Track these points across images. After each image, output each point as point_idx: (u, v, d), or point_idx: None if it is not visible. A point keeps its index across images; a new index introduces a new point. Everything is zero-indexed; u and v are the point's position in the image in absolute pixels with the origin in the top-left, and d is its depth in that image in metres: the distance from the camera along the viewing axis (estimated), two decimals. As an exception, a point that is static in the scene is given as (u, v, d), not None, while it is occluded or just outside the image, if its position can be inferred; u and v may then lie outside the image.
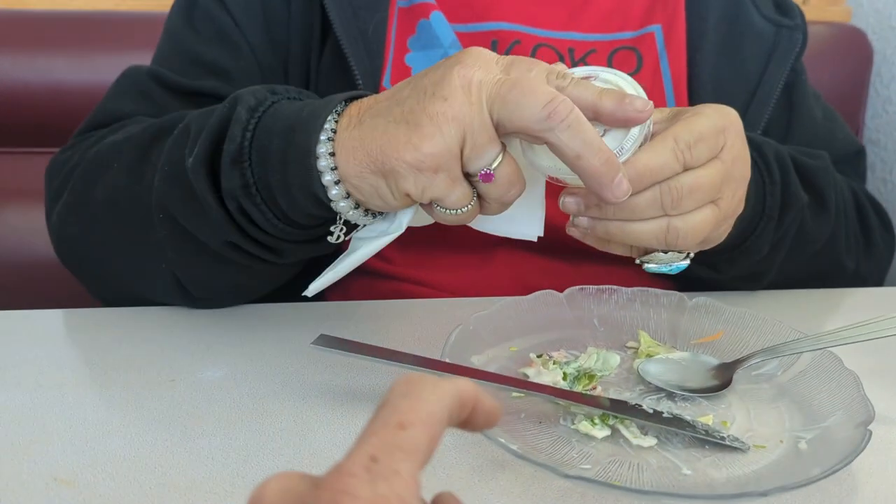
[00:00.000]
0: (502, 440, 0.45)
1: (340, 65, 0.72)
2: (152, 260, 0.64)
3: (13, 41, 1.08)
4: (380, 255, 0.74)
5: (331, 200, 0.53)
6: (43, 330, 0.64)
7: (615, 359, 0.57)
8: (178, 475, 0.46)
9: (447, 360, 0.53)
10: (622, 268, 0.76)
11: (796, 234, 0.72)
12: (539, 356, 0.58)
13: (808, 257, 0.75)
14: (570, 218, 0.56)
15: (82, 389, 0.55)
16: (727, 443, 0.49)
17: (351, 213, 0.53)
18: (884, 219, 0.85)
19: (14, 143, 1.11)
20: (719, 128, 0.54)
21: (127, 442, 0.49)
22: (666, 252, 0.57)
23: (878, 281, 0.86)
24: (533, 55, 0.76)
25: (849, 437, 0.47)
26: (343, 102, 0.54)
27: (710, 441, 0.49)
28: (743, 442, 0.49)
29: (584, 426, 0.50)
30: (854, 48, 1.24)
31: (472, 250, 0.75)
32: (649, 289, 0.65)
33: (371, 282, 0.76)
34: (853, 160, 0.88)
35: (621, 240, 0.56)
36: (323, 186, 0.52)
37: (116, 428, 0.50)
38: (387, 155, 0.50)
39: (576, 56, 0.77)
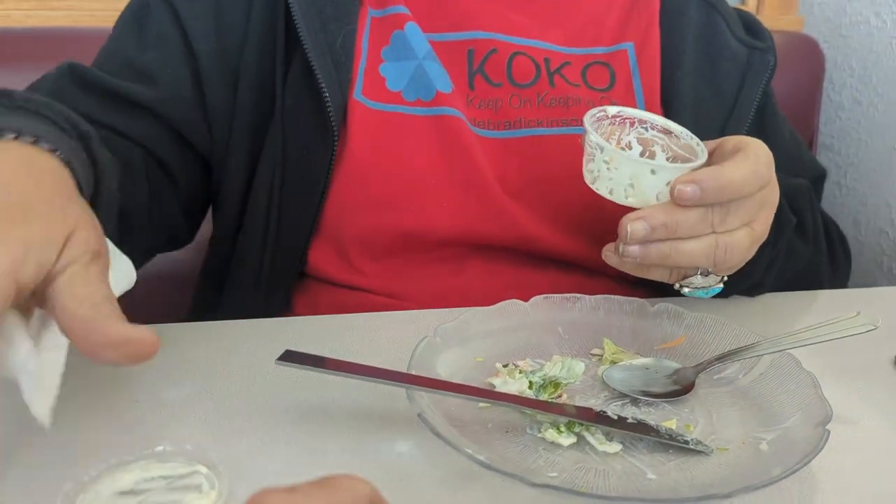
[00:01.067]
0: (469, 451, 0.45)
1: (308, 76, 0.72)
2: None
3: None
4: (350, 268, 0.75)
5: None
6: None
7: (580, 366, 0.57)
8: (143, 496, 0.45)
9: (413, 373, 0.53)
10: (590, 278, 0.77)
11: (786, 254, 0.74)
12: (505, 366, 0.59)
13: (792, 277, 0.78)
14: (616, 245, 0.60)
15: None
16: (691, 446, 0.50)
17: None
18: (843, 239, 0.89)
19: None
20: (770, 158, 0.60)
21: (92, 462, 0.48)
22: (705, 275, 0.62)
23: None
24: (510, 63, 0.77)
25: (808, 436, 0.49)
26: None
27: (674, 445, 0.50)
28: (706, 445, 0.50)
29: (551, 434, 0.51)
30: (807, 56, 1.27)
31: (441, 263, 0.75)
32: (612, 296, 0.66)
33: (341, 294, 0.76)
34: (816, 183, 0.90)
35: (673, 261, 0.59)
36: None
37: (81, 449, 0.50)
38: None
39: (551, 66, 0.77)
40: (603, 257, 0.62)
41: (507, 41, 0.77)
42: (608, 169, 0.59)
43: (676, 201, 0.57)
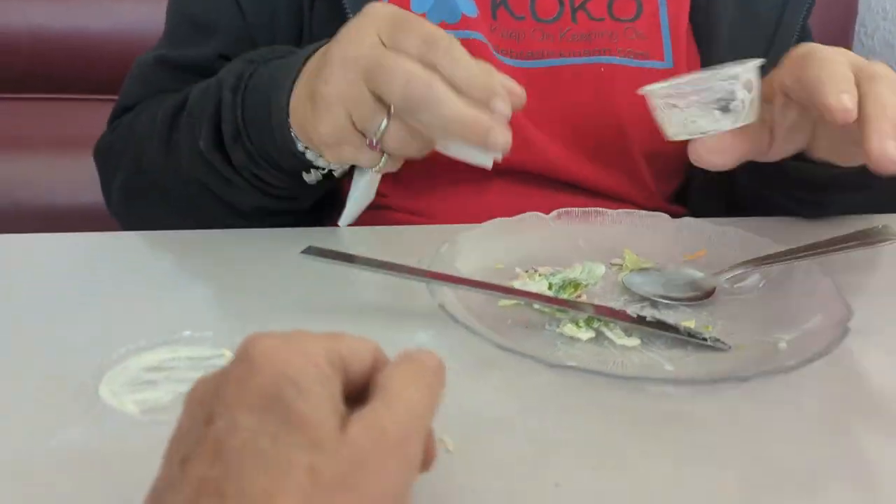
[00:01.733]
0: (488, 336, 0.46)
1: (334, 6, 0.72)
2: (208, 209, 0.70)
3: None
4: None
5: (311, 162, 0.60)
6: (31, 252, 0.64)
7: (600, 269, 0.58)
8: (169, 374, 0.47)
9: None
10: (616, 204, 0.77)
11: None
12: (525, 271, 0.59)
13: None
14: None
15: (69, 302, 0.55)
16: (709, 343, 0.50)
17: (332, 166, 0.60)
18: None
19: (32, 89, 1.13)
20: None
21: (122, 344, 0.49)
22: None
23: None
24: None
25: (827, 335, 0.48)
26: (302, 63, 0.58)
27: (693, 342, 0.50)
28: (724, 343, 0.50)
29: (569, 329, 0.51)
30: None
31: (467, 181, 0.76)
32: (635, 210, 0.66)
33: (366, 212, 0.77)
34: None
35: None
36: (301, 151, 0.59)
37: (104, 332, 0.51)
38: (303, 131, 0.57)
39: (575, 2, 0.77)
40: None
41: None
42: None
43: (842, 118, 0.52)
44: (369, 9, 0.54)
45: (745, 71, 0.56)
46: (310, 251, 0.53)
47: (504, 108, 0.52)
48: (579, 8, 0.77)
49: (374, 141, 0.54)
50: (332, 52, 0.53)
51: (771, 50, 0.78)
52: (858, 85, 0.53)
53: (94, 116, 1.06)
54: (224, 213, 0.69)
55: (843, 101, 0.51)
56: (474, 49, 0.73)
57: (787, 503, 0.38)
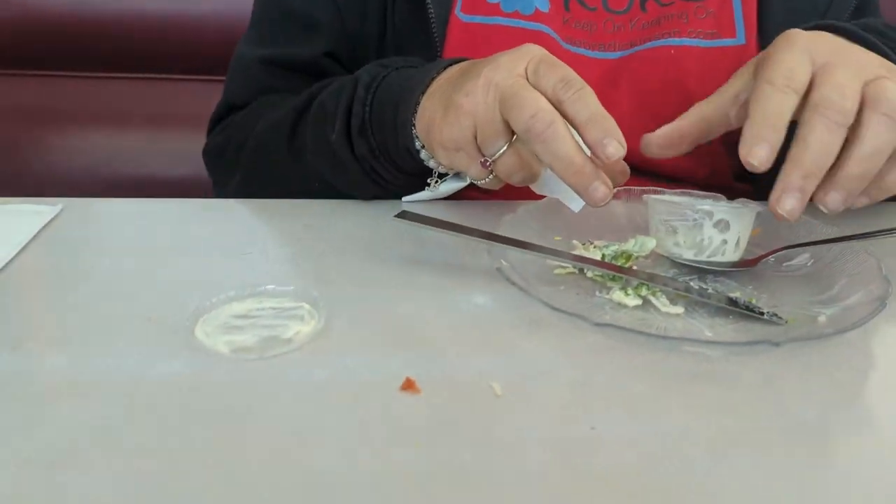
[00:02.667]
0: (540, 296, 0.50)
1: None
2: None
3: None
4: None
5: (423, 160, 0.66)
6: (131, 215, 0.71)
7: (651, 242, 0.61)
8: (254, 321, 0.52)
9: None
10: (690, 185, 0.80)
11: None
12: (582, 244, 0.63)
13: None
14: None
15: (165, 258, 0.62)
16: (766, 318, 0.52)
17: (440, 168, 0.67)
18: None
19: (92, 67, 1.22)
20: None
21: (213, 294, 0.55)
22: None
23: None
24: None
25: (865, 308, 0.51)
26: (436, 73, 0.64)
27: (736, 312, 0.53)
28: (780, 317, 0.53)
29: (618, 296, 0.55)
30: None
31: None
32: (693, 191, 0.69)
33: None
34: None
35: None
36: (416, 150, 0.65)
37: (197, 283, 0.57)
38: (428, 132, 0.62)
39: None
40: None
41: None
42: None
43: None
44: (526, 46, 0.59)
45: (719, 211, 0.58)
46: (403, 216, 0.59)
47: (616, 151, 0.54)
48: None
49: (489, 161, 0.59)
50: (481, 72, 0.58)
51: (827, 13, 0.80)
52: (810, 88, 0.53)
53: (187, 96, 1.15)
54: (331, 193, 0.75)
55: (752, 159, 0.52)
56: (542, 41, 0.77)
57: (804, 454, 0.41)
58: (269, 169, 0.79)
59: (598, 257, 0.60)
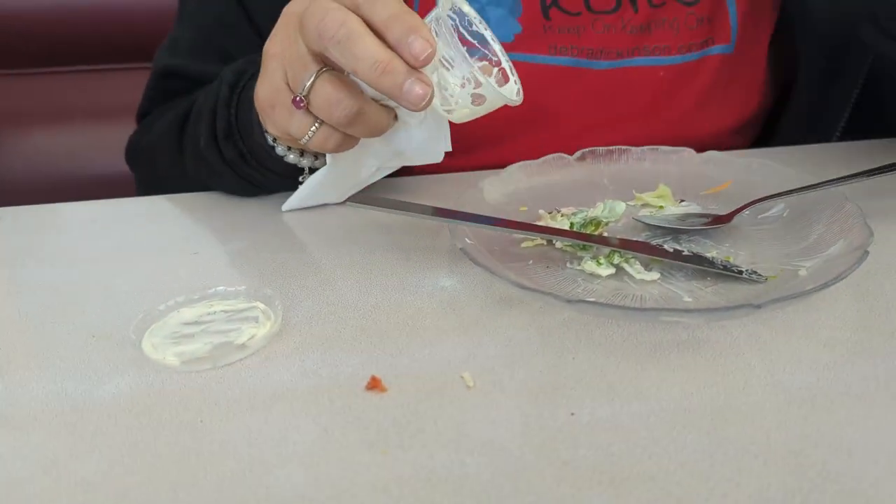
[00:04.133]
0: (508, 275, 0.47)
1: None
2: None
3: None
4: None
5: (283, 157, 0.60)
6: (76, 220, 0.67)
7: (621, 206, 0.58)
8: (206, 326, 0.49)
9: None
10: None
11: None
12: (549, 213, 0.60)
13: None
14: None
15: (111, 264, 0.58)
16: (745, 276, 0.50)
17: (300, 161, 0.61)
18: None
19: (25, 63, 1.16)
20: None
21: (162, 300, 0.52)
22: None
23: None
24: None
25: (847, 259, 0.48)
26: None
27: (713, 273, 0.51)
28: (760, 275, 0.50)
29: (590, 266, 0.52)
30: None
31: (492, 133, 0.76)
32: (659, 147, 0.66)
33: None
34: None
35: None
36: (271, 145, 0.60)
37: (144, 291, 0.54)
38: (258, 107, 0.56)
39: None
40: None
41: None
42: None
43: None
44: None
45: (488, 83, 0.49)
46: (355, 199, 0.55)
47: (422, 49, 0.47)
48: None
49: (300, 98, 0.51)
50: (283, 13, 0.53)
51: None
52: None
53: (129, 86, 1.10)
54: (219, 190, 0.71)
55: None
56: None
57: (798, 430, 0.39)
58: (162, 176, 0.76)
59: (566, 226, 0.57)
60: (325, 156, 0.59)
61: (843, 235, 0.52)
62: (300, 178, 0.63)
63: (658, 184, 0.63)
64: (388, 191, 0.68)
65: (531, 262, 0.54)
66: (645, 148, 0.66)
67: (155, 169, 0.78)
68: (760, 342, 0.45)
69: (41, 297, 0.54)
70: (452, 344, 0.46)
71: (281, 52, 0.52)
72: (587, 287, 0.51)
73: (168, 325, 0.49)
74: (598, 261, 0.52)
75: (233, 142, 0.63)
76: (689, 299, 0.49)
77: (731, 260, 0.53)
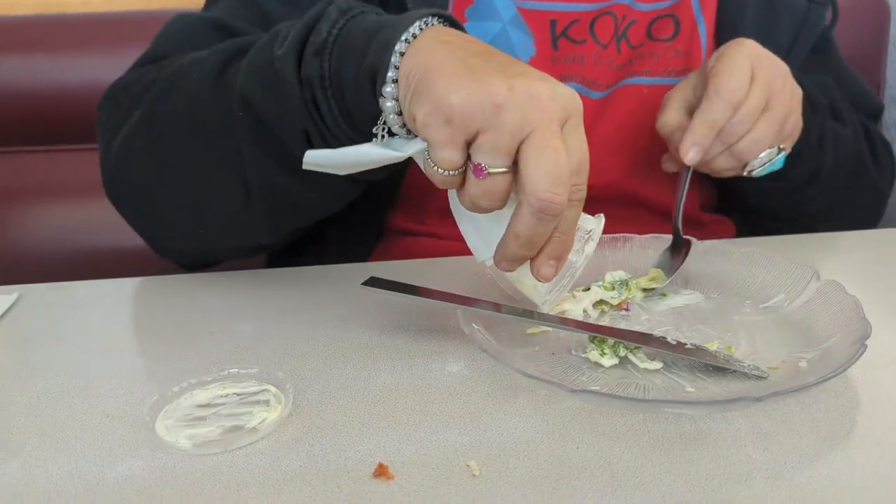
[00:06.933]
0: (514, 364, 0.49)
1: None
2: (222, 174, 0.64)
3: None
4: (413, 217, 0.80)
5: (381, 95, 0.53)
6: (92, 298, 0.69)
7: (619, 272, 0.62)
8: (218, 409, 0.50)
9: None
10: (651, 213, 0.81)
11: (833, 136, 0.81)
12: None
13: (843, 174, 0.83)
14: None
15: (127, 344, 0.60)
16: (747, 371, 0.51)
17: (391, 116, 0.53)
18: (884, 141, 0.92)
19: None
20: (744, 55, 0.68)
21: (175, 382, 0.53)
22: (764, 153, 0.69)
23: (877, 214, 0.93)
24: (592, 25, 0.80)
25: (846, 352, 0.50)
26: (434, 18, 0.55)
27: (724, 368, 0.52)
28: (763, 370, 0.51)
29: (594, 355, 0.53)
30: (872, 8, 1.25)
31: None
32: (662, 235, 0.68)
33: (408, 241, 0.81)
34: (877, 117, 0.95)
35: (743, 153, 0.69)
36: (383, 79, 0.53)
37: (159, 371, 0.55)
38: (424, 76, 0.50)
39: (620, 28, 0.81)
40: (664, 167, 0.73)
41: (589, 9, 0.80)
42: None
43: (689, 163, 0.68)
44: (569, 90, 0.51)
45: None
46: (371, 283, 0.56)
47: (548, 273, 0.51)
48: (622, 37, 0.81)
49: (484, 167, 0.48)
50: (532, 78, 0.49)
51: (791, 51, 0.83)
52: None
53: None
54: (248, 152, 0.62)
55: (686, 155, 0.68)
56: None
57: (800, 518, 0.39)
58: (179, 101, 0.65)
59: (578, 308, 0.58)
60: (409, 133, 0.55)
61: (841, 328, 0.53)
62: (375, 131, 0.56)
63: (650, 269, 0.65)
64: (402, 270, 0.70)
65: (537, 348, 0.55)
66: (649, 236, 0.68)
67: (168, 96, 0.67)
68: (762, 434, 0.46)
69: (54, 378, 0.55)
70: (459, 430, 0.47)
71: (506, 104, 0.47)
72: (592, 375, 0.52)
73: (181, 407, 0.50)
74: (602, 351, 0.53)
75: (320, 59, 0.57)
76: (692, 389, 0.50)
77: (732, 350, 0.54)
